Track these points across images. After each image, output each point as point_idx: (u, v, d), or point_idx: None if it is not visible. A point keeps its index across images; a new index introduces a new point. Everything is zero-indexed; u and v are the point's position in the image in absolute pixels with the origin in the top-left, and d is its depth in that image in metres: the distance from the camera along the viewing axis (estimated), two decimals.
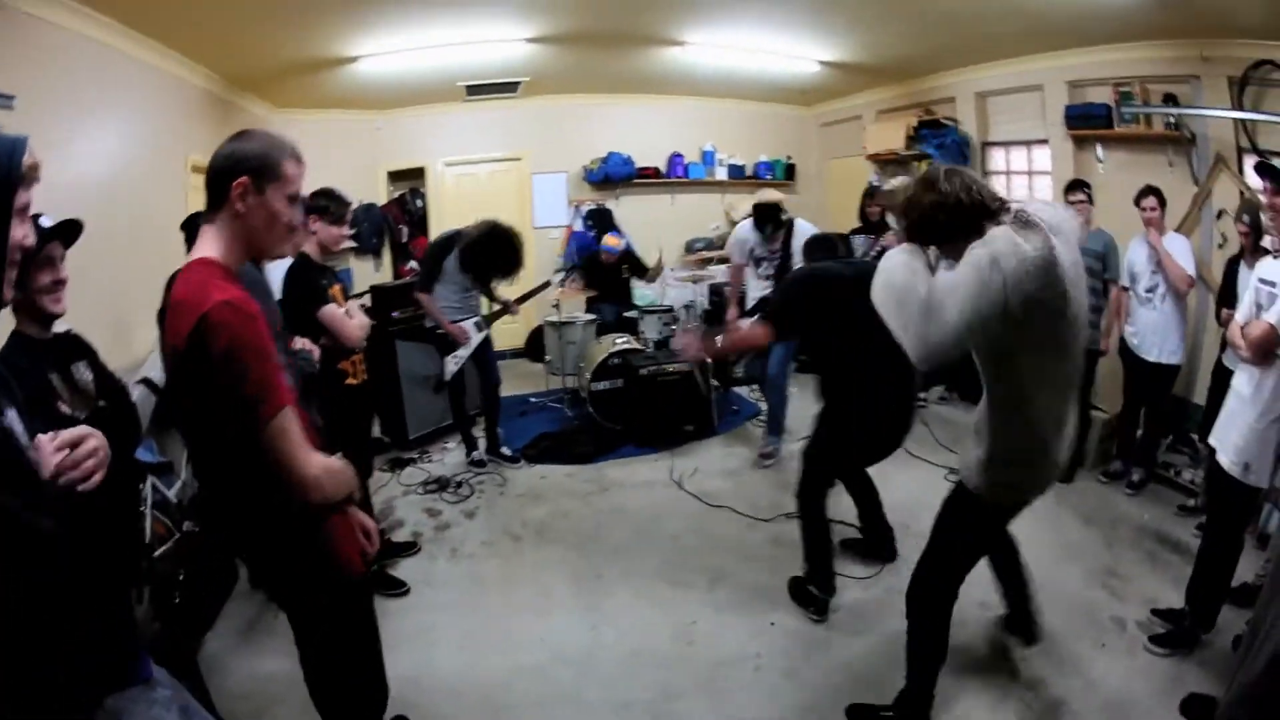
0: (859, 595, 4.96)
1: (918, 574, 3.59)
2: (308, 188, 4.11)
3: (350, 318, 4.44)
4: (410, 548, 5.65)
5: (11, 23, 4.64)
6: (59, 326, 2.80)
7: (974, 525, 3.47)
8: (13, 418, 1.63)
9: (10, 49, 4.64)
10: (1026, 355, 2.93)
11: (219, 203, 2.32)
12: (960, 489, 3.39)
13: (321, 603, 2.64)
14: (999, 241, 2.76)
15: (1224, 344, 5.00)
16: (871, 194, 8.22)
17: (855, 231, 8.17)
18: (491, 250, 6.59)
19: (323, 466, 2.30)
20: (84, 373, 2.84)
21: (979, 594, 4.62)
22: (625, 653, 4.45)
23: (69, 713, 1.74)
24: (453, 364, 6.91)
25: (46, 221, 2.51)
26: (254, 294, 2.64)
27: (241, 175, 2.28)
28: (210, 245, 2.33)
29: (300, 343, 3.87)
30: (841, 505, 5.22)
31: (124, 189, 5.79)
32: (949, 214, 2.95)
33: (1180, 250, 5.84)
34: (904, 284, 2.97)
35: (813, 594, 4.78)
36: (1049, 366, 2.99)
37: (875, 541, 5.34)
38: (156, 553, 3.87)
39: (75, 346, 2.91)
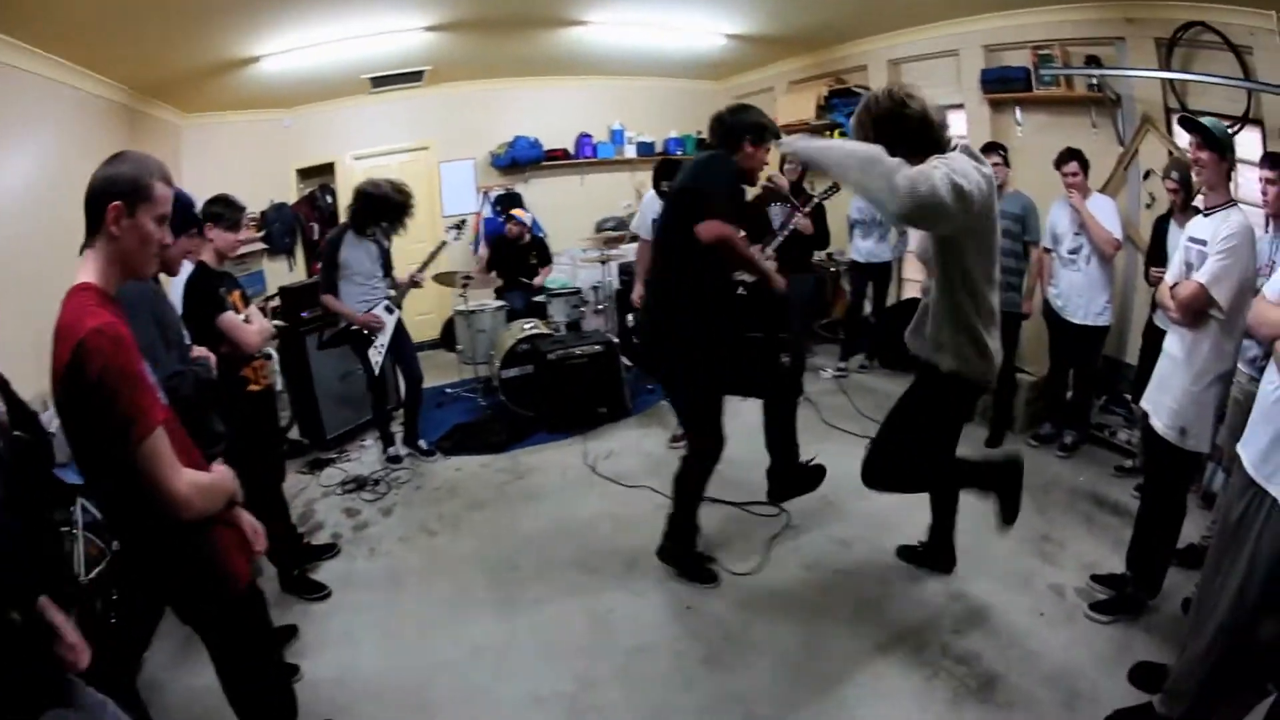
0: (779, 578, 4.85)
1: (898, 461, 4.11)
2: (216, 190, 4.53)
3: (250, 323, 4.38)
4: (330, 550, 5.57)
5: None
6: None
7: (959, 400, 3.89)
8: None
9: None
10: (983, 256, 3.47)
11: (96, 227, 2.38)
12: (939, 375, 3.70)
13: (211, 613, 2.70)
14: (958, 160, 3.21)
15: (1155, 304, 4.90)
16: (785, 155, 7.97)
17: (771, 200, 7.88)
18: (375, 200, 6.46)
19: (192, 484, 2.35)
20: None
21: (908, 567, 4.78)
22: (541, 644, 4.36)
23: None
24: (376, 355, 6.74)
25: None
26: (157, 306, 3.31)
27: (114, 199, 2.33)
28: (89, 270, 2.39)
29: (198, 351, 3.77)
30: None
31: (38, 210, 5.50)
32: (918, 123, 3.34)
33: (1105, 212, 5.75)
34: (870, 151, 3.15)
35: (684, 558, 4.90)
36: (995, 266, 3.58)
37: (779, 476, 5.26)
38: (92, 573, 3.95)
39: None
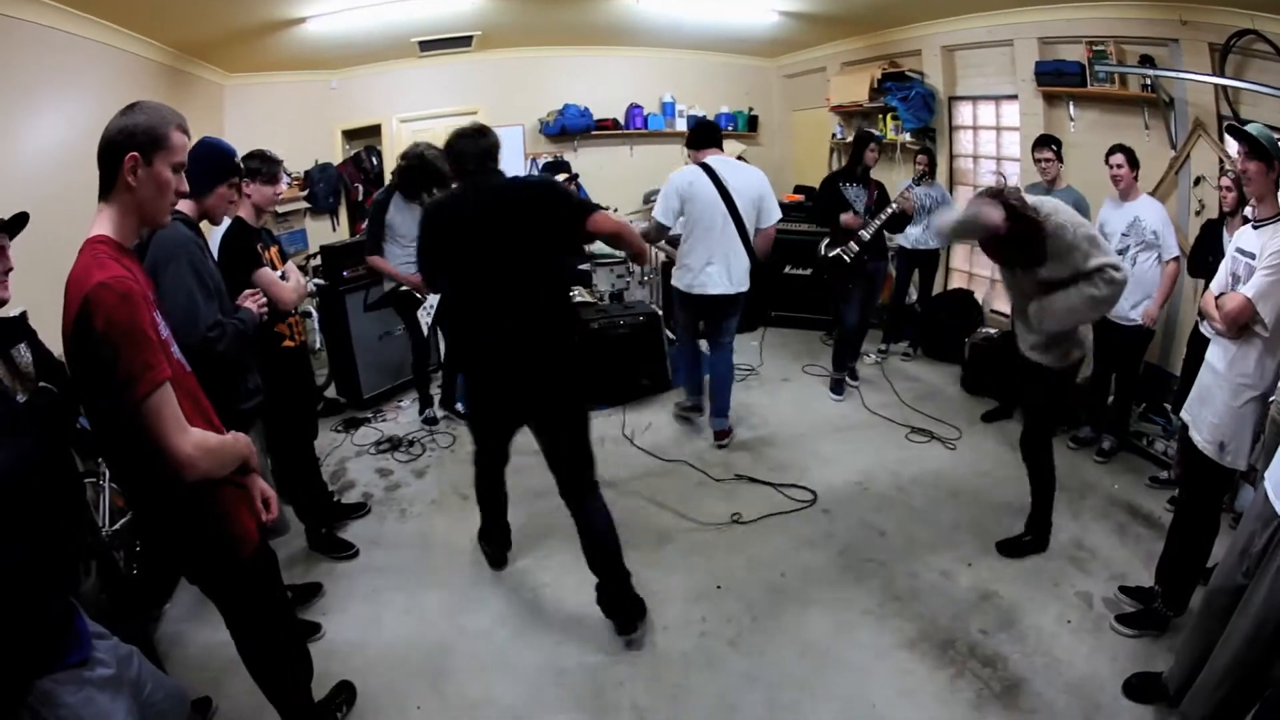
0: (811, 561, 4.87)
1: (1033, 439, 4.72)
2: (263, 147, 4.54)
3: (285, 280, 4.41)
4: (360, 509, 5.64)
5: None
6: (11, 310, 2.88)
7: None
8: None
9: None
10: None
11: (112, 178, 2.35)
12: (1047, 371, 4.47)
13: (218, 575, 2.76)
14: None
15: (1201, 313, 4.85)
16: (869, 138, 7.34)
17: (841, 179, 7.39)
18: (421, 167, 6.38)
19: (197, 445, 2.34)
20: (24, 354, 2.89)
21: (940, 563, 4.73)
22: (566, 616, 4.41)
23: None
24: (426, 316, 6.73)
25: None
26: (196, 254, 3.42)
27: (131, 150, 2.31)
28: (104, 222, 2.38)
29: (249, 300, 3.80)
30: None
31: (75, 168, 5.54)
32: None
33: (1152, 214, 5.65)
34: None
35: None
36: None
37: None
38: (116, 525, 4.02)
39: (16, 329, 2.96)
